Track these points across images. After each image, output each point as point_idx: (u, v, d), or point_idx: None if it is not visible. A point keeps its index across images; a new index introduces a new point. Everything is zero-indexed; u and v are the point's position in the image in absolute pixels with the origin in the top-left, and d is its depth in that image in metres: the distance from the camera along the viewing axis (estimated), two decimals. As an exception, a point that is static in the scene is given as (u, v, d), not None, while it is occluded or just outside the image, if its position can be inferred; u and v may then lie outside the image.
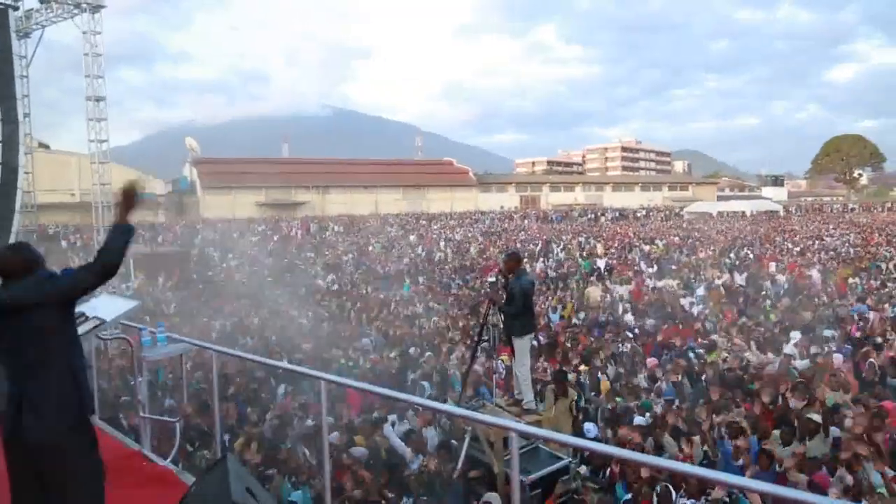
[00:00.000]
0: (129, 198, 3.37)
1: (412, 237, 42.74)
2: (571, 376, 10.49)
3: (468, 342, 13.20)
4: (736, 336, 12.87)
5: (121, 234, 3.28)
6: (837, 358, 10.76)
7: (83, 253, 30.37)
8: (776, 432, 7.80)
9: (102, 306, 5.10)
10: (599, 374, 11.07)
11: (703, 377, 10.62)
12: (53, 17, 21.11)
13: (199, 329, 18.05)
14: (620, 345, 13.23)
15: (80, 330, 6.05)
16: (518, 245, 36.78)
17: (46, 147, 46.78)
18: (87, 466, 3.28)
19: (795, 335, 12.48)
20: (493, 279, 8.47)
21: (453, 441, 8.15)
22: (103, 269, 3.25)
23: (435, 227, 48.63)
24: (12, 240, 17.63)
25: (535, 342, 12.12)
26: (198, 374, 10.90)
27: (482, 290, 18.81)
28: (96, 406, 3.34)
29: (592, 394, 10.34)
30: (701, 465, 7.31)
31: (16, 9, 19.77)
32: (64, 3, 20.84)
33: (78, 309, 6.12)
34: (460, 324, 16.35)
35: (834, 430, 7.68)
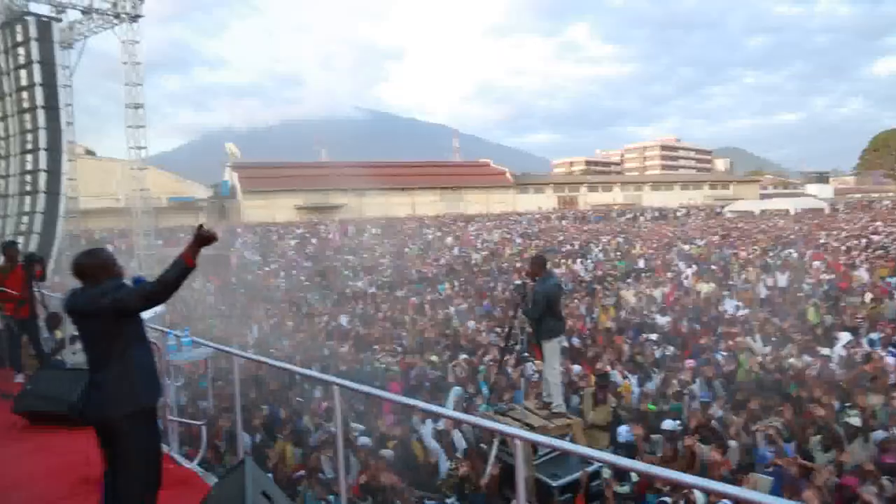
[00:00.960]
0: (204, 239, 3.47)
1: (449, 239, 42.75)
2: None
3: (503, 345, 13.17)
4: (775, 338, 12.58)
5: (180, 270, 3.44)
6: (890, 361, 10.42)
7: (126, 257, 31.14)
8: (815, 438, 7.62)
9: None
10: (621, 377, 10.95)
11: (739, 380, 10.44)
12: (95, 28, 21.75)
13: (237, 332, 18.36)
14: (656, 348, 13.07)
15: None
16: (555, 246, 36.55)
17: (92, 154, 47.99)
18: (139, 450, 3.58)
19: (844, 336, 12.17)
20: (520, 283, 8.42)
21: (482, 445, 8.14)
22: (150, 296, 3.49)
23: (472, 228, 48.55)
24: (57, 244, 18.20)
25: (565, 345, 12.08)
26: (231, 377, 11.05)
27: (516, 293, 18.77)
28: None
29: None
30: (737, 469, 7.20)
31: (59, 20, 20.38)
32: (105, 13, 21.47)
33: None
34: (496, 327, 16.28)
35: (878, 434, 7.48)
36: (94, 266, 3.61)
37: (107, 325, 3.51)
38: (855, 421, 7.67)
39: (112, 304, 3.45)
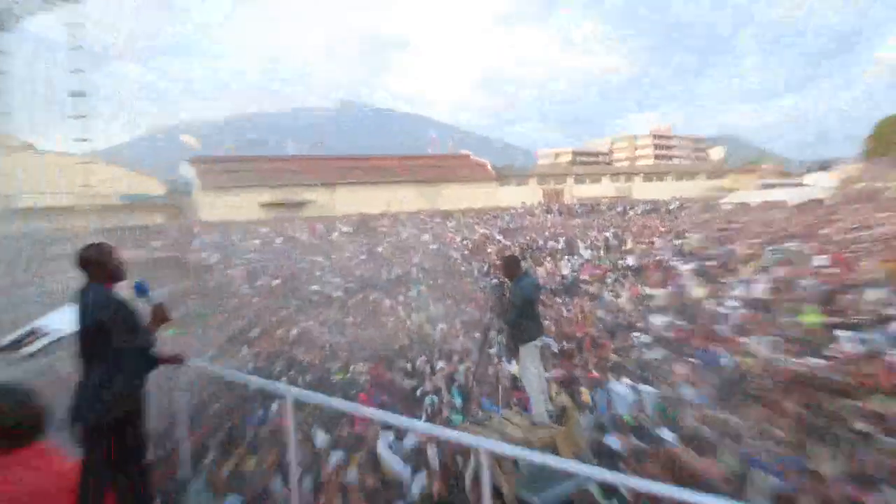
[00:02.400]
0: (162, 319, 4.11)
1: (426, 236, 42.68)
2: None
3: (479, 350, 13.11)
4: (773, 338, 12.64)
5: (145, 340, 4.01)
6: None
7: (67, 262, 30.63)
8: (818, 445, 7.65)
9: (64, 318, 5.09)
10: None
11: (736, 383, 10.47)
12: (34, 9, 21.34)
13: (198, 341, 18.14)
14: (647, 350, 13.10)
15: (37, 346, 6.10)
16: (539, 242, 36.61)
17: (31, 147, 47.22)
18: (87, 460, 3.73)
19: (845, 335, 12.23)
20: (496, 283, 8.37)
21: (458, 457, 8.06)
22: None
23: (450, 224, 48.52)
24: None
25: (554, 350, 12.06)
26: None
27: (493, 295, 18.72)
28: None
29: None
30: (731, 479, 7.19)
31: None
32: (45, -6, 21.12)
33: (37, 323, 6.16)
34: (473, 331, 16.26)
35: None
36: (88, 261, 3.96)
37: (89, 337, 3.85)
38: (861, 426, 7.71)
39: (96, 324, 3.79)
